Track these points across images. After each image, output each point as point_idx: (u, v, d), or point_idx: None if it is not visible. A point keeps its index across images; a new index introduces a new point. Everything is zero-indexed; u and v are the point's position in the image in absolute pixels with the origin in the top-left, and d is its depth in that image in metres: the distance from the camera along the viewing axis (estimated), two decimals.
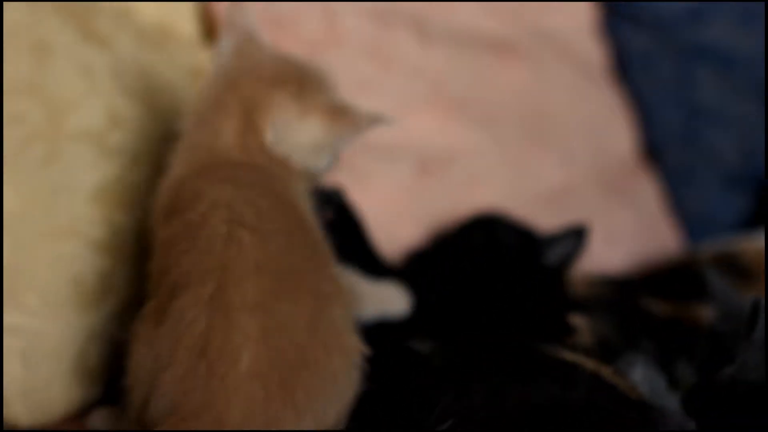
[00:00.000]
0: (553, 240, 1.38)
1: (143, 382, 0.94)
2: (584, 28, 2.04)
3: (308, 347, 0.95)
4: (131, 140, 1.36)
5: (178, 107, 1.47)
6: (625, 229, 1.87)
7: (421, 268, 1.44)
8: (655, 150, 2.07)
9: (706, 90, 2.09)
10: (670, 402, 1.12)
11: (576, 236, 1.38)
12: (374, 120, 1.15)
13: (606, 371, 1.11)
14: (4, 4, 1.26)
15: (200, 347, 0.91)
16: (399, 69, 1.65)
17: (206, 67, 1.55)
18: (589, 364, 1.12)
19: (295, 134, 1.11)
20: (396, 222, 1.57)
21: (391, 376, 1.08)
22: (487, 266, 1.37)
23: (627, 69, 2.09)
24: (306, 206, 1.09)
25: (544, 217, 1.64)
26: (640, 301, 1.47)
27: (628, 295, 1.51)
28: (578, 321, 1.26)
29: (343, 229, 1.33)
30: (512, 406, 1.00)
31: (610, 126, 1.99)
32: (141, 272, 1.09)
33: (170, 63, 1.55)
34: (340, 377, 0.99)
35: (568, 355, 1.14)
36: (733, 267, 1.60)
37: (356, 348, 1.02)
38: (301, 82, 1.13)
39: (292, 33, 1.57)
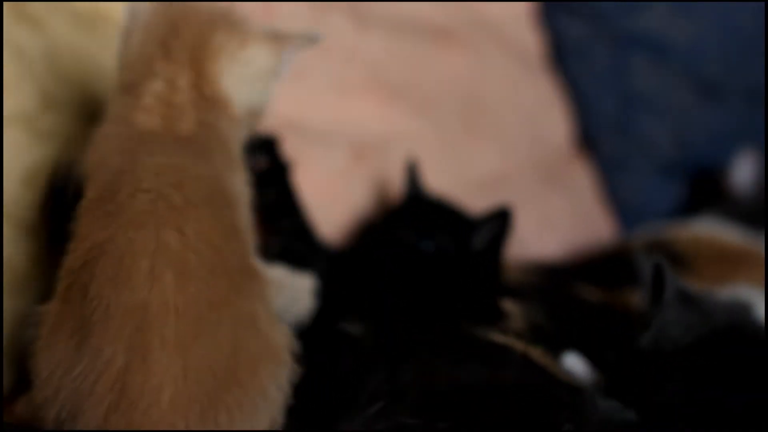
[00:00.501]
0: (478, 224, 1.39)
1: (58, 402, 0.91)
2: (521, 17, 2.05)
3: (231, 372, 0.93)
4: (64, 123, 1.35)
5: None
6: (560, 217, 1.89)
7: (352, 251, 1.44)
8: (590, 138, 2.09)
9: (641, 78, 2.11)
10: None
11: (500, 219, 1.38)
12: (306, 36, 1.14)
13: (535, 353, 1.12)
14: None
15: (120, 387, 0.89)
16: (335, 54, 1.65)
17: None
18: (518, 345, 1.13)
19: (239, 67, 1.10)
20: (330, 207, 1.56)
21: (321, 358, 1.09)
22: (418, 251, 1.37)
23: (562, 57, 2.10)
24: (235, 182, 1.06)
25: (479, 204, 1.64)
26: (572, 288, 1.48)
27: (560, 281, 1.51)
28: (510, 306, 1.27)
29: (275, 179, 1.33)
30: (442, 387, 1.01)
31: (546, 114, 2.01)
32: None
33: (104, 46, 1.54)
34: (270, 386, 0.97)
35: (499, 338, 1.15)
36: (666, 254, 1.62)
37: (284, 344, 0.99)
38: (228, 18, 1.12)
39: None
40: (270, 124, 1.53)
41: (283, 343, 0.99)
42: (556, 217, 1.87)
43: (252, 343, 0.95)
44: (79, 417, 0.89)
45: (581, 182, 2.02)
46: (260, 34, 1.12)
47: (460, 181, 1.75)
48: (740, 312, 1.19)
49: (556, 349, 1.18)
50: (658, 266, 1.13)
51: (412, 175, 1.51)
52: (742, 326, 1.15)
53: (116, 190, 0.97)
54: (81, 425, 0.89)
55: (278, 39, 1.12)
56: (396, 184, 1.61)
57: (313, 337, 1.11)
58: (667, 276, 1.13)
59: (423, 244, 1.36)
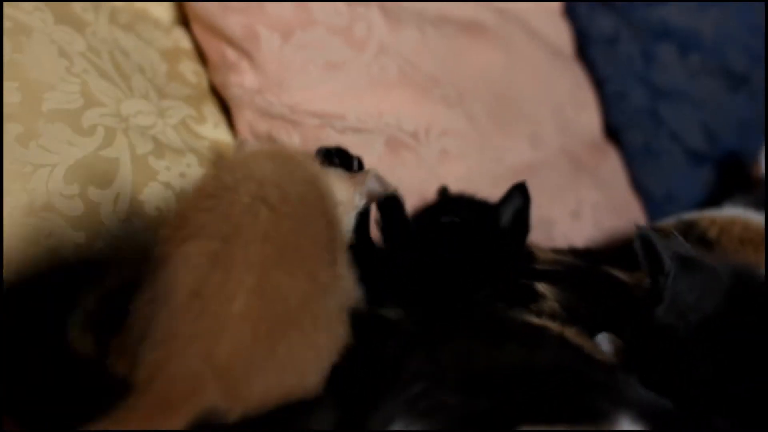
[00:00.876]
0: (501, 203, 1.41)
1: (142, 320, 0.98)
2: (550, 10, 2.09)
3: (298, 315, 1.00)
4: (105, 120, 1.40)
5: (150, 87, 1.51)
6: (591, 206, 1.91)
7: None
8: (618, 129, 2.12)
9: (668, 69, 2.13)
10: None
11: (519, 192, 1.41)
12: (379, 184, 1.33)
13: (570, 332, 1.14)
14: None
15: (197, 288, 0.96)
16: (370, 49, 1.68)
17: (177, 48, 1.59)
18: (554, 326, 1.15)
19: None
20: None
21: (362, 342, 1.11)
22: (453, 239, 1.39)
23: (590, 49, 2.13)
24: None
25: None
26: (603, 270, 1.49)
27: (591, 263, 1.53)
28: (543, 287, 1.29)
29: None
30: (481, 367, 1.02)
31: (575, 105, 2.03)
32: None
33: (143, 44, 1.59)
34: (324, 353, 1.03)
35: (534, 319, 1.17)
36: (691, 237, 1.63)
37: (342, 338, 1.06)
38: None
39: (262, 13, 1.60)
40: (308, 118, 1.57)
41: (341, 336, 1.07)
42: (588, 207, 1.89)
43: (319, 311, 1.03)
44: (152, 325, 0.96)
45: (611, 172, 2.04)
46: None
47: (493, 172, 1.77)
48: (749, 271, 1.20)
49: (590, 330, 1.19)
50: (643, 236, 1.15)
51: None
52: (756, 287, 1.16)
53: None
54: (152, 332, 0.96)
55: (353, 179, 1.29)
56: (431, 175, 1.64)
57: (353, 322, 1.14)
58: (658, 243, 1.14)
59: (445, 218, 1.39)
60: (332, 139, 1.59)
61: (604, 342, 1.18)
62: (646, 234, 1.15)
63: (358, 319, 1.15)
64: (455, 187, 1.63)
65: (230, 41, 1.62)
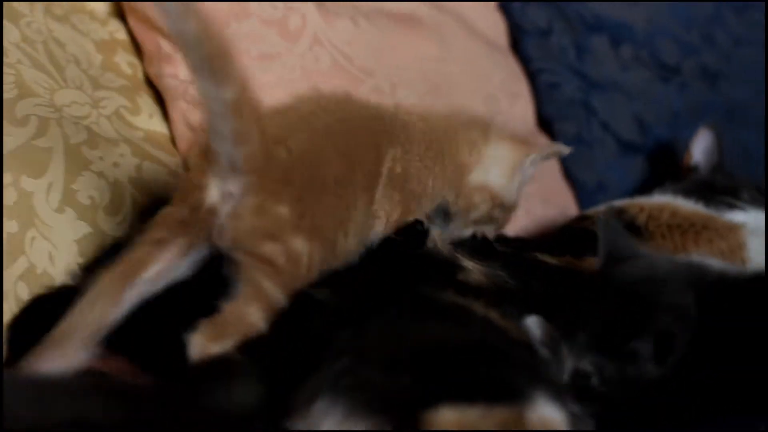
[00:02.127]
0: None
1: None
2: (484, 4, 2.11)
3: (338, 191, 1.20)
4: (39, 110, 1.41)
5: (85, 78, 1.52)
6: (523, 196, 1.92)
7: None
8: (551, 119, 2.14)
9: (602, 61, 2.16)
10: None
11: None
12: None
13: (495, 315, 1.17)
14: None
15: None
16: (304, 40, 1.70)
17: (113, 40, 1.61)
18: (479, 308, 1.17)
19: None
20: None
21: (290, 320, 1.14)
22: None
23: (524, 41, 2.16)
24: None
25: None
26: (533, 255, 1.52)
27: (521, 249, 1.55)
28: (468, 263, 1.31)
29: None
30: (404, 347, 1.05)
31: (509, 96, 2.05)
32: None
33: (79, 36, 1.60)
34: (350, 239, 1.23)
35: (460, 300, 1.19)
36: (621, 222, 1.66)
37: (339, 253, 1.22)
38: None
39: (198, 5, 1.61)
40: None
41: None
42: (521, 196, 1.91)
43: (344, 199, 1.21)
44: None
45: (544, 163, 2.06)
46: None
47: None
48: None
49: (519, 309, 1.22)
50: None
51: None
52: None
53: None
54: None
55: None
56: None
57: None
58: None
59: None
60: None
61: (533, 325, 1.20)
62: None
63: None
64: None
65: (165, 33, 1.63)
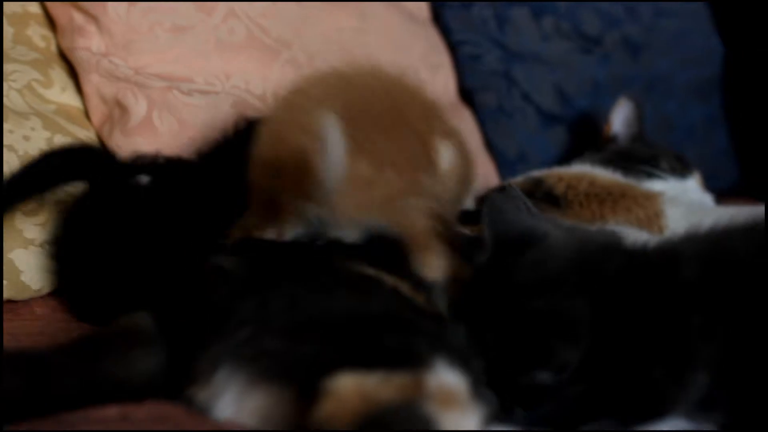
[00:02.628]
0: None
1: None
2: None
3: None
4: None
5: None
6: None
7: None
8: (473, 91, 2.15)
9: (523, 33, 2.17)
10: None
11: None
12: None
13: (405, 286, 1.17)
14: None
15: None
16: (218, 12, 1.69)
17: (25, 12, 1.59)
18: (388, 279, 1.17)
19: None
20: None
21: (195, 289, 1.14)
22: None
23: (445, 14, 2.16)
24: None
25: None
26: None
27: None
28: None
29: None
30: (310, 316, 1.05)
31: (430, 68, 2.05)
32: None
33: None
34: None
35: (369, 270, 1.19)
36: (539, 191, 1.67)
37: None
38: None
39: None
40: (155, 81, 1.58)
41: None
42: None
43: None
44: None
45: (465, 133, 2.06)
46: None
47: None
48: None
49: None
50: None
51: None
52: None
53: None
54: None
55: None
56: None
57: (186, 270, 1.17)
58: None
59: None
60: (179, 101, 1.60)
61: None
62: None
63: (192, 267, 1.17)
64: None
65: (77, 5, 1.62)
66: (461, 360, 1.03)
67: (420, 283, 1.22)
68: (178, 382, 1.06)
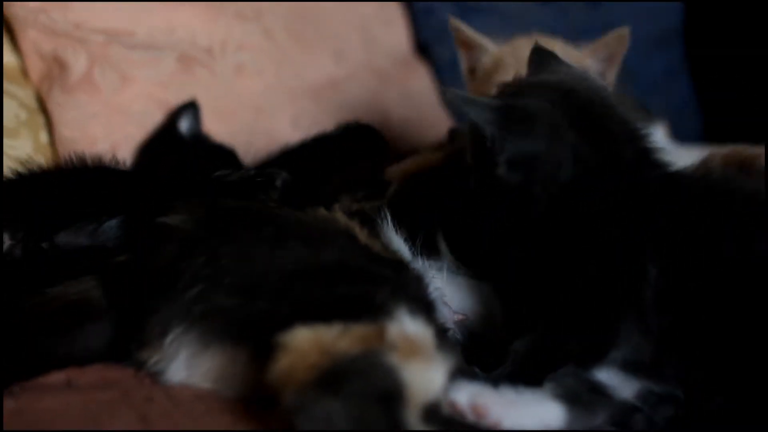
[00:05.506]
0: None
1: None
2: None
3: None
4: None
5: None
6: (399, 119, 1.89)
7: None
8: (428, 44, 2.10)
9: None
10: None
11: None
12: None
13: (362, 234, 1.12)
14: None
15: None
16: None
17: None
18: (342, 220, 1.14)
19: None
20: (156, 114, 1.55)
21: (143, 248, 1.08)
22: None
23: None
24: None
25: (316, 109, 1.66)
26: None
27: None
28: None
29: None
30: (260, 270, 1.00)
31: (382, 23, 2.01)
32: None
33: None
34: None
35: (323, 212, 1.15)
36: None
37: None
38: None
39: None
40: (95, 36, 1.51)
41: None
42: (395, 120, 1.88)
43: None
44: None
45: (420, 87, 2.03)
46: None
47: (292, 87, 1.74)
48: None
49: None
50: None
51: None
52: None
53: None
54: None
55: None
56: (226, 89, 1.60)
57: (134, 230, 1.13)
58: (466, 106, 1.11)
59: None
60: (121, 56, 1.54)
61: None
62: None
63: (138, 228, 1.12)
64: (253, 102, 1.60)
65: None
66: (424, 309, 1.00)
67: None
68: (128, 346, 1.02)
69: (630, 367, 1.00)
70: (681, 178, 1.09)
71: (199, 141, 1.53)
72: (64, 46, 1.55)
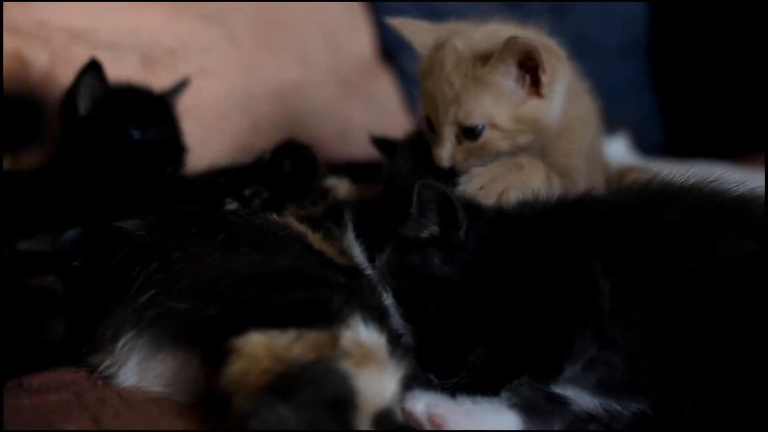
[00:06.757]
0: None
1: None
2: None
3: None
4: None
5: None
6: (362, 126, 1.88)
7: None
8: (394, 51, 2.10)
9: None
10: None
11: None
12: None
13: (315, 237, 1.12)
14: None
15: None
16: None
17: None
18: (296, 226, 1.13)
19: None
20: None
21: (98, 252, 1.08)
22: None
23: None
24: None
25: (277, 114, 1.65)
26: None
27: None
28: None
29: None
30: (213, 275, 0.99)
31: (347, 28, 2.01)
32: None
33: None
34: None
35: (276, 218, 1.14)
36: None
37: None
38: None
39: None
40: (57, 35, 1.51)
41: None
42: (358, 126, 1.87)
43: None
44: None
45: (385, 93, 2.02)
46: None
47: (256, 91, 1.74)
48: None
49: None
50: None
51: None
52: None
53: None
54: None
55: None
56: (189, 90, 1.59)
57: (89, 236, 1.13)
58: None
59: None
60: (84, 55, 1.52)
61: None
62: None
63: (94, 233, 1.12)
64: (217, 105, 1.60)
65: None
66: (378, 316, 1.00)
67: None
68: (82, 351, 1.02)
69: (602, 386, 1.01)
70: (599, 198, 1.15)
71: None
72: (27, 44, 1.54)
